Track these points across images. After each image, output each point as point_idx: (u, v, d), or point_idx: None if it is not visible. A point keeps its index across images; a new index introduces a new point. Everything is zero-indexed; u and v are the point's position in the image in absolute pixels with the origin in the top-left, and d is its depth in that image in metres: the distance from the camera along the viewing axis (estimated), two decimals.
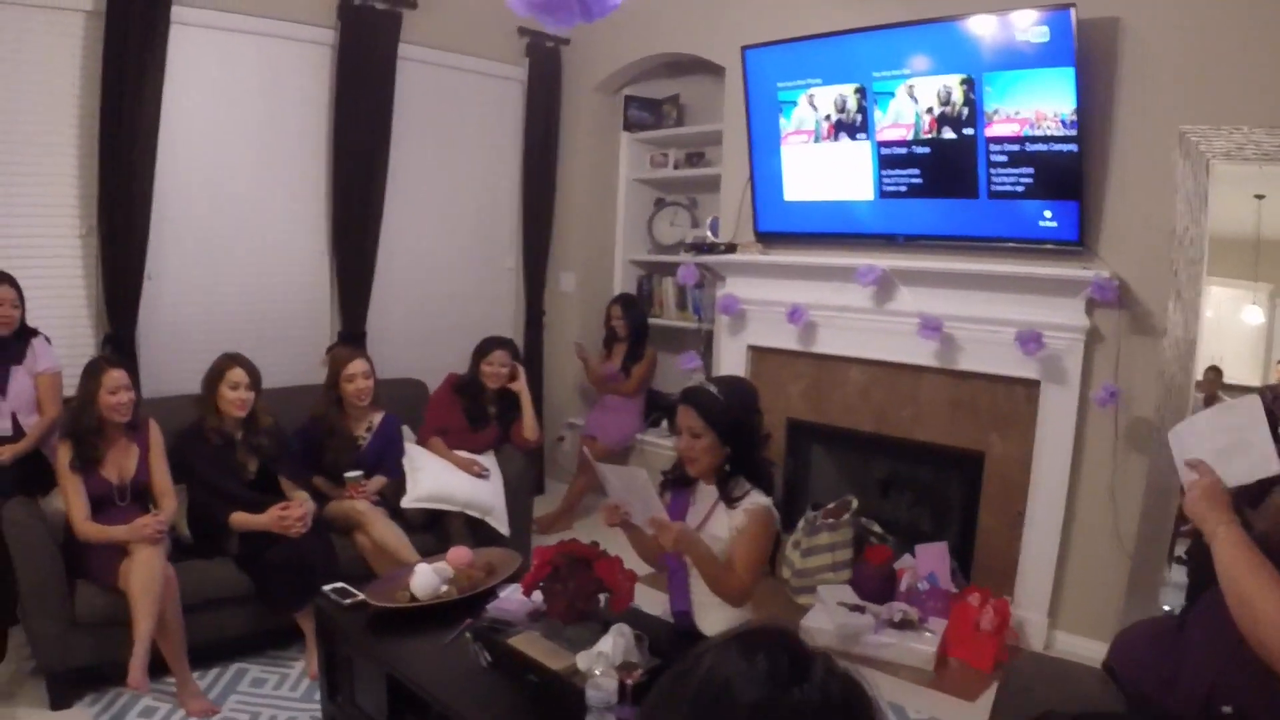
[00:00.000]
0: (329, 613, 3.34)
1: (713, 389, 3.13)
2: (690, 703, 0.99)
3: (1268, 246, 4.27)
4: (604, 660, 2.58)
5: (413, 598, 3.24)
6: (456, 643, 3.01)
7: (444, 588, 3.30)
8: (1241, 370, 4.48)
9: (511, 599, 3.21)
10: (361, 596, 3.30)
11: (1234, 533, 2.08)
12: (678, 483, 3.26)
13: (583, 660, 2.65)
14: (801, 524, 5.09)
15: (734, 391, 3.17)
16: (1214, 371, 4.37)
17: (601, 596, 2.92)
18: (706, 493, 3.19)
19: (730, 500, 3.09)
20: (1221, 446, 2.27)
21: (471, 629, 3.01)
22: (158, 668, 3.77)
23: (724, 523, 3.09)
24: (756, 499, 3.07)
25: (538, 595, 3.01)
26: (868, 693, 1.01)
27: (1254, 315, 4.44)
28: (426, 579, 3.27)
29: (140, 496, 4.05)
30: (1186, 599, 2.47)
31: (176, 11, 4.80)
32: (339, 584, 3.43)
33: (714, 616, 3.11)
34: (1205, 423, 2.38)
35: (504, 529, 4.87)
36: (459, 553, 3.52)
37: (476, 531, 4.79)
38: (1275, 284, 4.38)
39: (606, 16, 3.10)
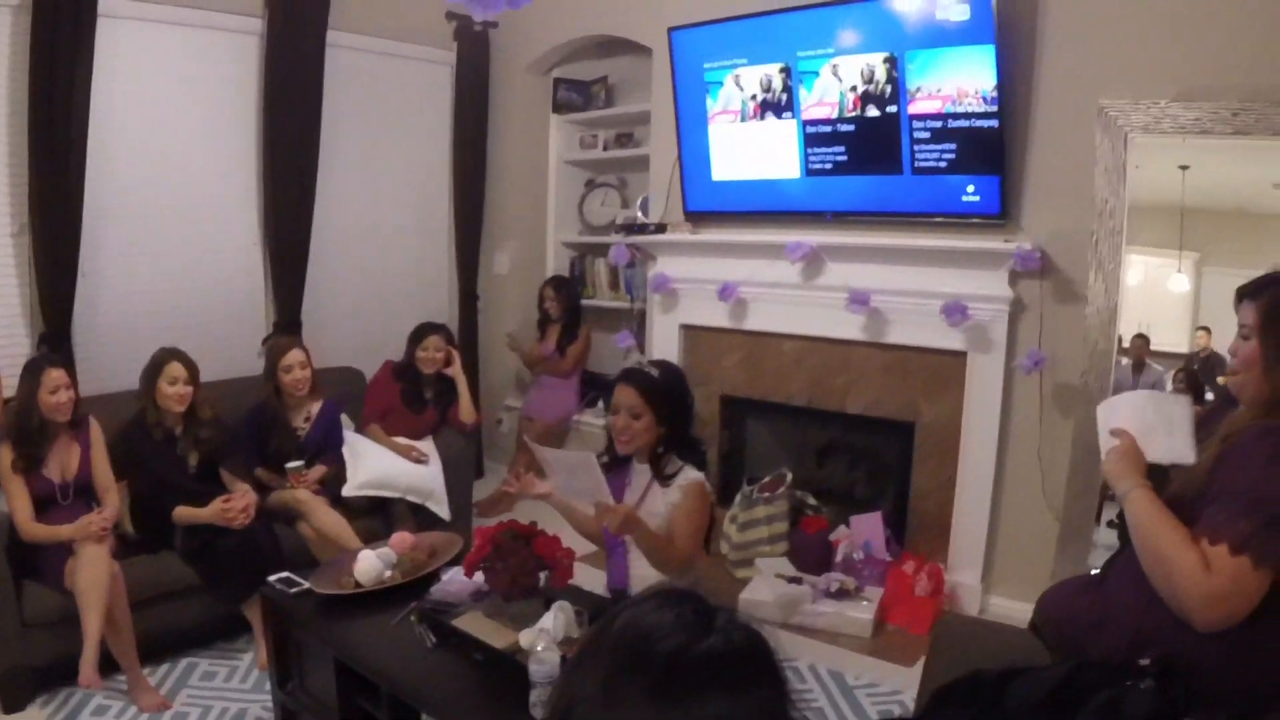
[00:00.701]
0: (275, 601, 3.36)
1: (651, 370, 3.21)
2: (610, 652, 1.07)
3: (1192, 215, 4.39)
4: (546, 636, 2.63)
5: (357, 584, 3.27)
6: (402, 625, 3.05)
7: (388, 573, 3.33)
8: (1168, 336, 4.63)
9: (454, 580, 3.25)
10: (307, 585, 3.33)
11: (1146, 493, 2.19)
12: (612, 464, 3.32)
13: (525, 637, 2.71)
14: (738, 498, 5.18)
15: (670, 373, 3.27)
16: (1140, 339, 4.53)
17: (542, 574, 2.97)
18: (640, 472, 3.27)
19: (664, 478, 3.18)
20: (1149, 423, 2.37)
21: (416, 611, 3.06)
22: (108, 665, 3.77)
23: (660, 500, 3.17)
24: (690, 474, 3.16)
25: (480, 576, 3.06)
26: (767, 641, 1.09)
27: (1180, 283, 4.57)
28: (370, 564, 3.31)
29: (83, 494, 4.05)
30: (1109, 559, 2.57)
31: (103, 4, 4.72)
32: (284, 573, 3.45)
33: None
34: (1138, 400, 2.49)
35: (445, 513, 4.93)
36: (401, 537, 3.56)
37: (418, 516, 4.83)
38: (1200, 252, 4.51)
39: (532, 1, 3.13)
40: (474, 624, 2.92)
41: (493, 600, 3.02)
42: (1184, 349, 4.60)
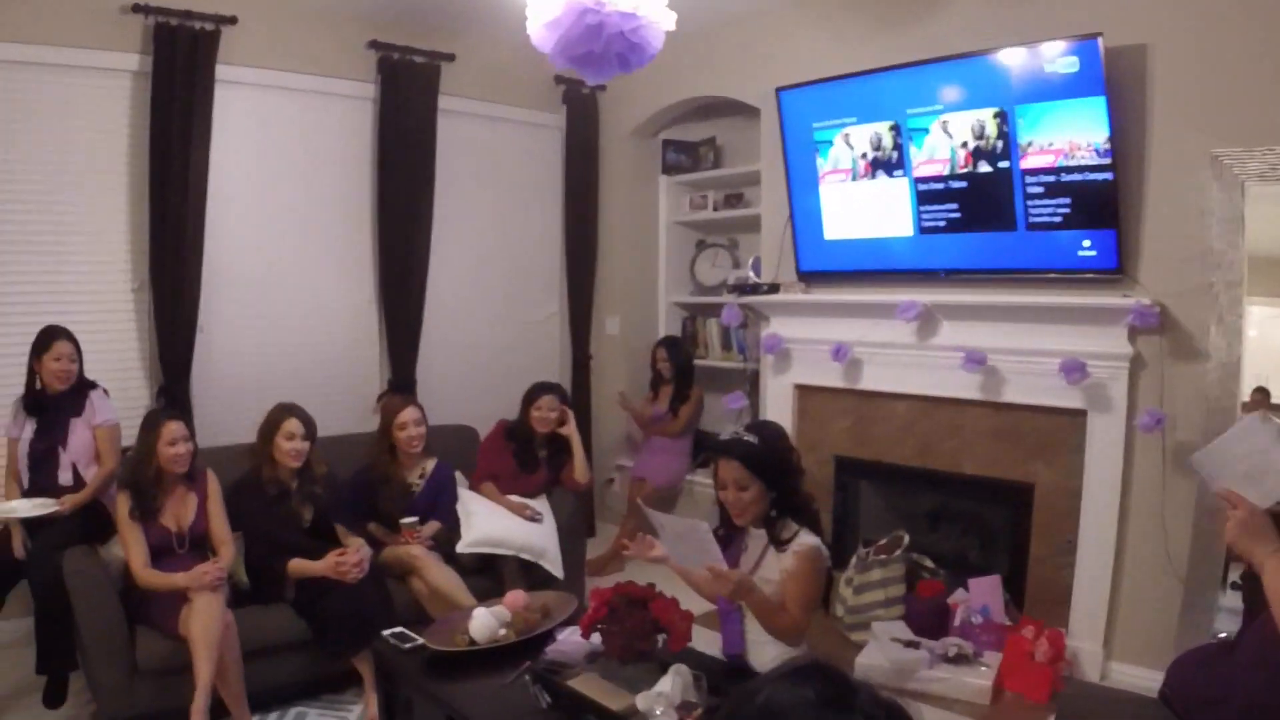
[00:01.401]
0: (388, 656, 3.40)
1: (749, 438, 3.17)
2: None
3: None
4: (663, 700, 2.62)
5: (471, 641, 3.30)
6: (515, 684, 3.06)
7: (502, 630, 3.35)
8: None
9: (569, 641, 3.26)
10: (420, 640, 3.37)
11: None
12: (728, 534, 3.29)
13: (642, 700, 2.70)
14: (853, 561, 5.10)
15: (769, 435, 3.22)
16: (1260, 392, 4.35)
17: (659, 637, 2.96)
18: (756, 537, 3.23)
19: (779, 543, 3.13)
20: (1245, 470, 2.27)
21: (530, 671, 3.06)
22: (219, 712, 3.83)
23: (775, 565, 3.13)
24: (805, 539, 3.11)
25: (595, 637, 3.06)
26: (909, 714, 1.06)
27: None
28: (484, 622, 3.33)
29: (198, 545, 4.15)
30: (1242, 624, 2.48)
31: (221, 70, 4.97)
32: (397, 629, 3.50)
33: (768, 655, 3.14)
34: (1223, 448, 2.38)
35: (558, 572, 4.92)
36: (515, 596, 3.59)
37: (530, 575, 4.84)
38: None
39: None
40: (589, 686, 2.92)
41: (608, 662, 3.02)
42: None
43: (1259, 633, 2.24)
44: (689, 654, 3.06)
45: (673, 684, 2.70)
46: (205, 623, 3.75)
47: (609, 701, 2.80)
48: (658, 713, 2.55)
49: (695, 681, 2.77)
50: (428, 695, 3.21)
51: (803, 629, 3.10)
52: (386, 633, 3.48)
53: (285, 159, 5.47)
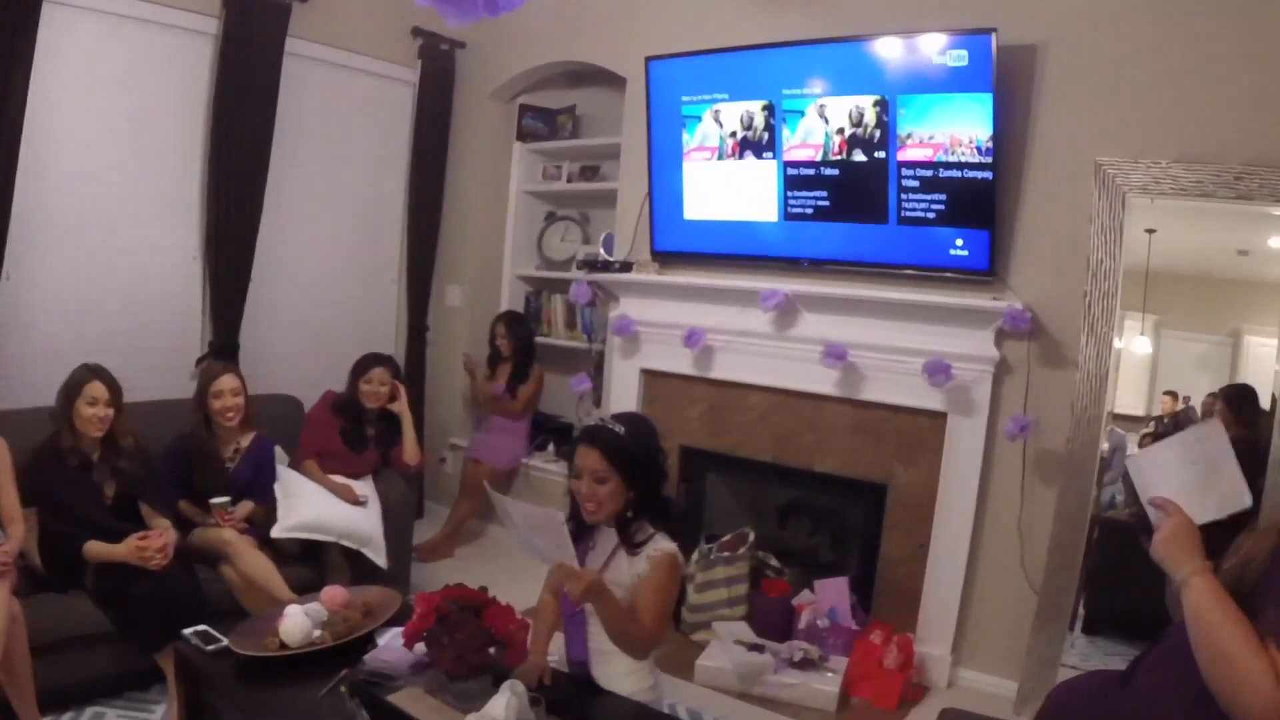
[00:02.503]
0: (191, 659, 3.01)
1: (617, 428, 2.87)
2: None
3: (1155, 279, 4.23)
4: None
5: (282, 644, 2.92)
6: (331, 696, 2.70)
7: (317, 633, 2.98)
8: (1127, 399, 4.45)
9: (392, 647, 2.91)
10: (225, 642, 2.98)
11: (1208, 581, 1.94)
12: (577, 529, 3.00)
13: None
14: (695, 557, 4.87)
15: (638, 430, 2.91)
16: (1170, 395, 4.46)
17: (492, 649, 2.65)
18: (606, 535, 2.93)
19: (633, 546, 2.84)
20: (1188, 480, 2.13)
21: (348, 681, 2.70)
22: (4, 715, 3.41)
23: (625, 570, 2.84)
24: (661, 544, 2.82)
25: (421, 646, 2.73)
26: None
27: (1143, 345, 4.42)
28: (298, 623, 2.96)
29: None
30: (1141, 654, 2.30)
31: None
32: (201, 626, 3.10)
33: (613, 665, 2.87)
34: (1167, 453, 2.22)
35: (382, 561, 4.57)
36: (334, 592, 3.21)
37: (354, 563, 4.50)
38: (1160, 315, 4.39)
39: (508, 14, 2.86)
40: (413, 702, 2.58)
41: (435, 674, 2.68)
42: (1142, 411, 4.48)
43: (1165, 662, 2.08)
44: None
45: (506, 705, 2.39)
46: None
47: None
48: None
49: (532, 704, 2.47)
50: (233, 705, 2.83)
51: (654, 642, 2.82)
52: (188, 631, 3.07)
53: (113, 93, 4.89)
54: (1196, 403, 4.39)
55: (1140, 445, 4.49)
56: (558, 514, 2.63)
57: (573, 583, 2.61)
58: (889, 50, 4.37)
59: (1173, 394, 4.44)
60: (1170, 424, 4.41)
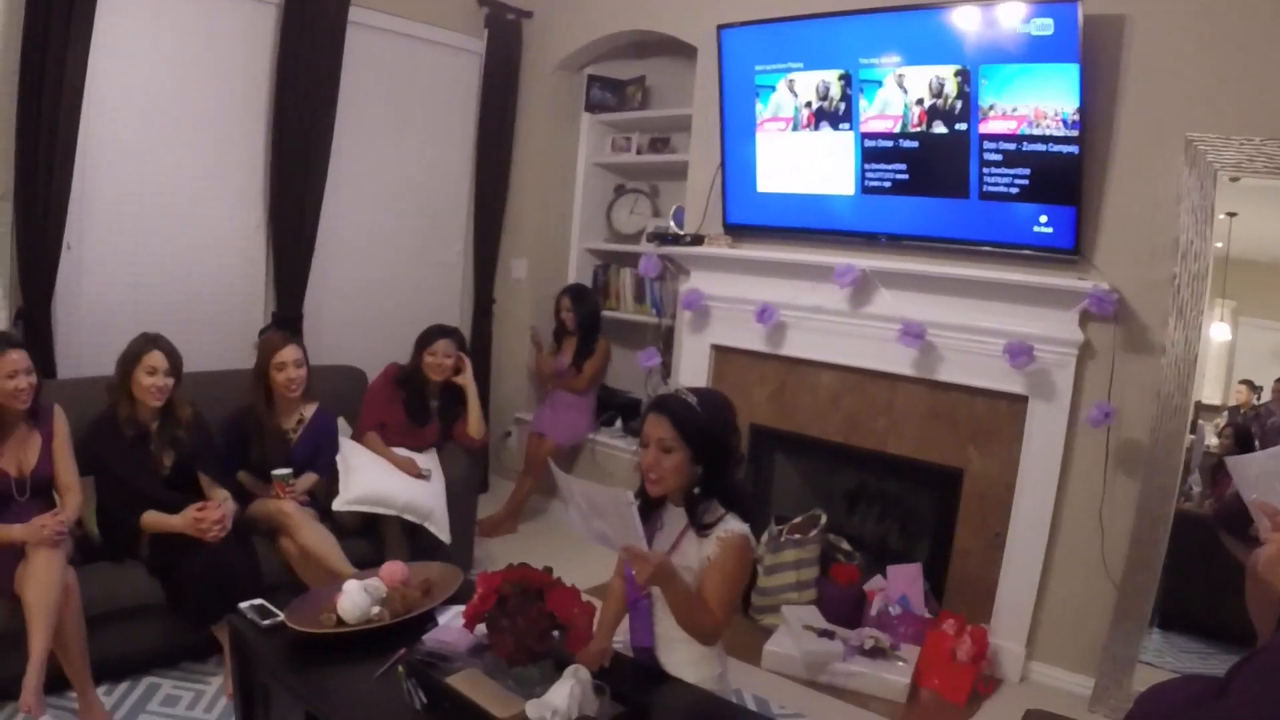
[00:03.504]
0: (244, 635, 2.94)
1: (690, 399, 2.75)
2: None
3: (1236, 266, 4.05)
4: (558, 715, 2.22)
5: (339, 621, 2.84)
6: (388, 676, 2.63)
7: (375, 610, 2.90)
8: (1205, 388, 4.24)
9: (452, 627, 2.82)
10: (281, 617, 2.91)
11: None
12: (642, 506, 2.90)
13: (533, 710, 2.29)
14: (765, 539, 4.76)
15: (712, 405, 2.79)
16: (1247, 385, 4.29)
17: (555, 633, 2.55)
18: (675, 515, 2.82)
19: (701, 527, 2.73)
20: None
21: (405, 662, 2.63)
22: (60, 682, 3.38)
23: (694, 552, 2.73)
24: (732, 525, 2.70)
25: (481, 627, 2.64)
26: None
27: (1221, 332, 4.24)
28: (356, 599, 2.87)
29: (42, 492, 3.62)
30: (1236, 664, 2.15)
31: None
32: (258, 600, 3.03)
33: (680, 653, 2.77)
34: (1267, 461, 2.07)
35: (445, 536, 4.50)
36: (393, 568, 3.13)
37: (415, 537, 4.45)
38: (1239, 301, 4.20)
39: None
40: (472, 685, 2.50)
41: (495, 658, 2.59)
42: (1218, 400, 4.31)
43: (1261, 679, 1.93)
44: None
45: (569, 694, 2.30)
46: (43, 583, 3.25)
47: (495, 708, 2.38)
48: None
49: (596, 691, 2.37)
50: (284, 683, 2.76)
51: (722, 627, 2.70)
52: (244, 605, 3.01)
53: (175, 63, 4.84)
54: (1268, 390, 4.23)
55: (1218, 436, 4.34)
56: (625, 493, 2.51)
57: (640, 565, 2.50)
58: (970, 18, 4.19)
59: (1249, 383, 4.28)
60: (1249, 415, 4.27)
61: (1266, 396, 4.24)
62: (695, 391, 2.81)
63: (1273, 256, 4.24)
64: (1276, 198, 3.94)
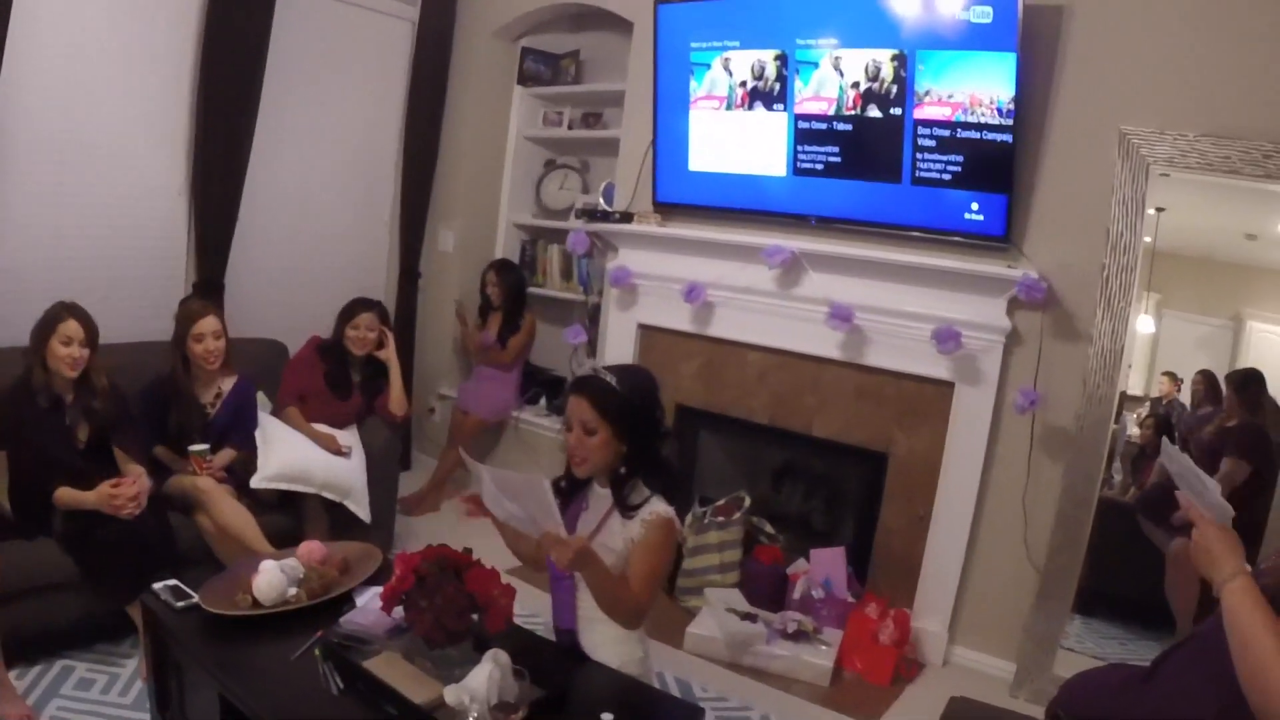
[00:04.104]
0: (158, 615, 2.85)
1: (609, 378, 2.71)
2: None
3: (1162, 259, 4.11)
4: (476, 700, 2.18)
5: (255, 602, 2.77)
6: (304, 659, 2.56)
7: (292, 591, 2.83)
8: (1130, 378, 4.36)
9: (369, 609, 2.76)
10: (195, 598, 2.82)
11: (1248, 584, 1.83)
12: (570, 487, 2.86)
13: (451, 694, 2.24)
14: (689, 520, 4.75)
15: (634, 381, 2.75)
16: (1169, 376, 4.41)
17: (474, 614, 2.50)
18: (600, 497, 2.79)
19: (627, 508, 2.70)
20: (1193, 489, 2.05)
21: (321, 644, 2.57)
22: None
23: (619, 533, 2.69)
24: (657, 507, 2.66)
25: (399, 609, 2.58)
26: None
27: (1145, 324, 4.31)
28: (272, 579, 2.80)
29: None
30: (1166, 651, 2.18)
31: None
32: (171, 581, 2.94)
33: (601, 634, 2.74)
34: (1191, 467, 2.10)
35: (364, 514, 4.43)
36: (311, 548, 3.06)
37: (335, 512, 4.36)
38: (1162, 295, 4.30)
39: None
40: (389, 668, 2.44)
41: (414, 639, 2.53)
42: (1140, 391, 4.44)
43: (1192, 664, 1.96)
44: (510, 630, 2.61)
45: (488, 678, 2.25)
46: None
47: (412, 691, 2.33)
48: (472, 718, 2.10)
49: (516, 676, 2.33)
50: (199, 666, 2.68)
51: (644, 610, 2.67)
52: (158, 585, 2.92)
53: (97, 19, 4.65)
54: (1188, 384, 4.33)
55: (1140, 426, 4.41)
56: (542, 479, 2.46)
57: (560, 550, 2.45)
58: (909, 2, 4.18)
59: (1171, 375, 4.37)
60: (1168, 407, 4.36)
61: (1188, 389, 4.31)
62: (615, 369, 2.79)
63: (1198, 251, 4.32)
64: (1204, 193, 3.98)
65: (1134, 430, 4.48)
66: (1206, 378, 4.30)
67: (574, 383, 2.81)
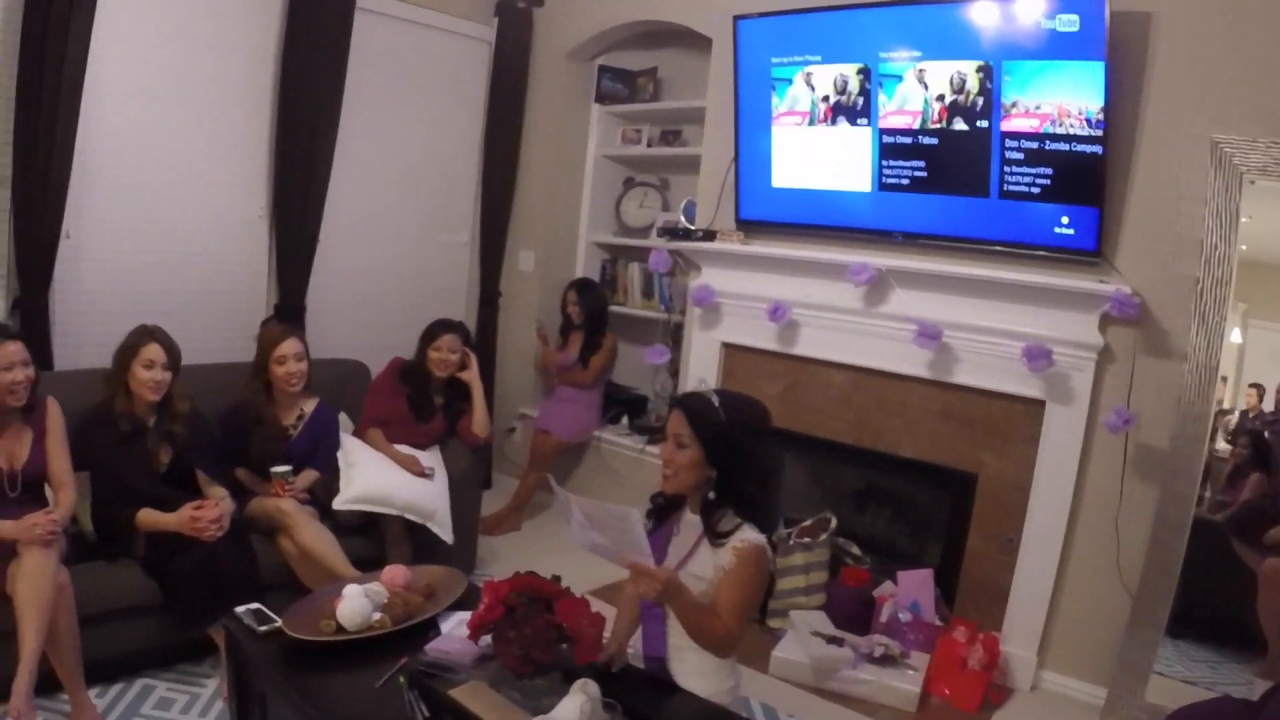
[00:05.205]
0: (240, 640, 2.85)
1: (714, 399, 2.67)
2: None
3: (1246, 267, 3.93)
4: None
5: (339, 628, 2.76)
6: (389, 686, 2.54)
7: (376, 616, 2.82)
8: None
9: (454, 636, 2.74)
10: (278, 623, 2.82)
11: None
12: (662, 510, 2.81)
13: None
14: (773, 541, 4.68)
15: (736, 409, 2.70)
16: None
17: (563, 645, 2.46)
18: (691, 523, 2.74)
19: (716, 535, 2.64)
20: None
21: (406, 672, 2.55)
22: (51, 684, 3.29)
23: (708, 561, 2.64)
24: (748, 535, 2.61)
25: (486, 637, 2.55)
26: None
27: (1234, 335, 4.12)
28: (356, 605, 2.79)
29: (33, 488, 3.53)
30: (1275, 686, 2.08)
31: None
32: (254, 605, 2.94)
33: (692, 663, 2.69)
34: None
35: (447, 536, 4.40)
36: (395, 572, 3.06)
37: (417, 534, 4.35)
38: (1248, 304, 4.08)
39: None
40: (476, 698, 2.41)
41: (501, 668, 2.50)
42: (1228, 404, 4.18)
43: None
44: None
45: (579, 710, 2.21)
46: (34, 583, 3.15)
47: None
48: None
49: (607, 709, 2.29)
50: (281, 692, 2.67)
51: (735, 640, 2.61)
52: (240, 610, 2.92)
53: (178, 48, 4.73)
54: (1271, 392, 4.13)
55: (1233, 444, 4.25)
56: (631, 510, 2.42)
57: (647, 583, 2.41)
58: (993, 13, 4.09)
59: (1258, 387, 4.17)
60: (1261, 421, 4.16)
61: (1271, 398, 4.15)
62: (724, 393, 2.77)
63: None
64: None
65: (1222, 445, 4.33)
66: None
67: (678, 397, 2.82)
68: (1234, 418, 4.22)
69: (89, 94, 4.28)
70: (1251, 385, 4.16)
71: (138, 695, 3.59)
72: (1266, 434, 4.18)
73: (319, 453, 4.29)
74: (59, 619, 3.22)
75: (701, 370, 5.28)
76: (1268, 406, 4.11)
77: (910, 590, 4.48)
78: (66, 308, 4.48)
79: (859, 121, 4.56)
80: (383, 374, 4.81)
